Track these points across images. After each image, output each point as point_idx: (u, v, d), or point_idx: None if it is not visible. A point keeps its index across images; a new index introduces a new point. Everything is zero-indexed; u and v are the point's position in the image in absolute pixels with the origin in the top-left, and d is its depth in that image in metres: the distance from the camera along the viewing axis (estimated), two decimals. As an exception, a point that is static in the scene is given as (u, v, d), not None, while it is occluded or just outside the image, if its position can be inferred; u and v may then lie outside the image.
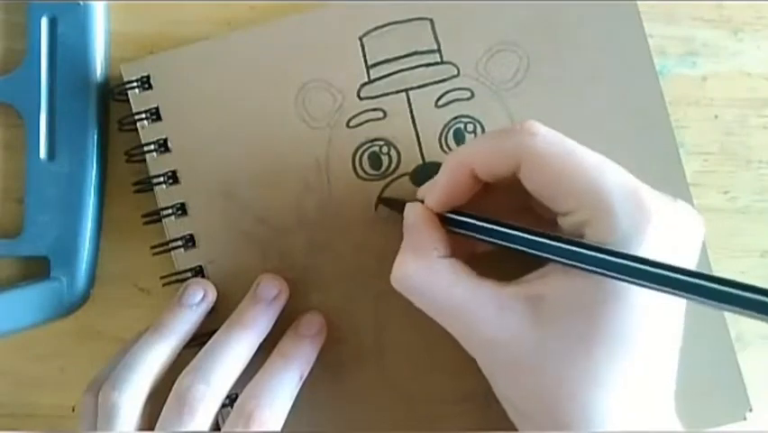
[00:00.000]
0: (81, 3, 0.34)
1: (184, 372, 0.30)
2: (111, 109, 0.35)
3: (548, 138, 0.26)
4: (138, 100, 0.33)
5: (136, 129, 0.33)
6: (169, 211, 0.33)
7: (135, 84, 0.33)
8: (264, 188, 0.33)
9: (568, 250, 0.25)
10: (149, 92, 0.33)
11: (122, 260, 0.35)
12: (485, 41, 0.33)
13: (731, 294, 0.22)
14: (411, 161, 0.33)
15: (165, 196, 0.33)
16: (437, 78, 0.33)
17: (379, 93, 0.33)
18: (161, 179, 0.33)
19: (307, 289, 0.33)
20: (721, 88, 0.35)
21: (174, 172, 0.33)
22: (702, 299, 0.23)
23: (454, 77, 0.33)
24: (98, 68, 0.34)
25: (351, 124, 0.33)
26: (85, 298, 0.34)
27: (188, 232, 0.33)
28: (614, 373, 0.25)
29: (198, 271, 0.33)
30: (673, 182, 0.33)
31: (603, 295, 0.25)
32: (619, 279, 0.24)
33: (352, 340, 0.33)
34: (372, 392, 0.33)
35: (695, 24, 0.35)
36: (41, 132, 0.34)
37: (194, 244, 0.33)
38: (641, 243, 0.25)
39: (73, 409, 0.35)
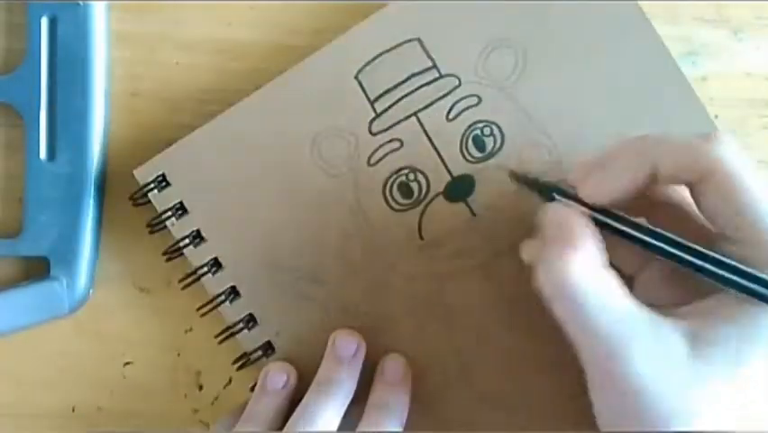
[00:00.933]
0: (81, 3, 0.34)
1: None
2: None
3: (742, 161, 0.24)
4: (160, 200, 0.33)
5: (166, 227, 0.33)
6: (223, 297, 0.33)
7: (153, 185, 0.33)
8: (307, 249, 0.33)
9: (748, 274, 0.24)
10: (168, 189, 0.33)
11: (122, 260, 0.35)
12: (476, 44, 0.33)
13: None
14: (440, 180, 0.33)
15: (214, 283, 0.33)
16: (441, 94, 0.33)
17: (390, 124, 0.33)
18: (205, 269, 0.33)
19: (376, 333, 0.33)
20: (721, 88, 0.35)
21: (216, 259, 0.33)
22: None
23: (457, 87, 0.33)
24: (98, 68, 0.34)
25: (371, 162, 0.33)
26: (85, 298, 0.34)
27: (247, 312, 0.33)
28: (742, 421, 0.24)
29: (268, 347, 0.33)
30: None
31: (758, 339, 0.24)
32: None
33: (435, 368, 0.33)
34: (468, 410, 0.33)
35: (695, 24, 0.35)
36: (41, 132, 0.34)
37: (256, 323, 0.33)
38: None
39: (73, 410, 0.35)
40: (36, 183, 0.34)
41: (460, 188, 0.33)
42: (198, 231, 0.33)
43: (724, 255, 0.24)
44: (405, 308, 0.33)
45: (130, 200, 0.34)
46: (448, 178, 0.33)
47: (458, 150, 0.33)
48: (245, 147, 0.33)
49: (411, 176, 0.33)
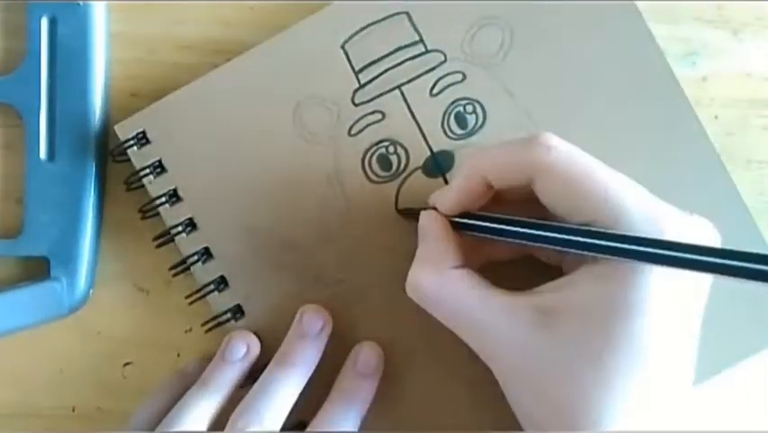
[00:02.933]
0: (81, 3, 0.34)
1: (236, 412, 0.30)
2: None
3: (562, 153, 0.26)
4: (139, 157, 0.33)
5: (143, 186, 0.33)
6: (195, 258, 0.33)
7: (132, 142, 0.33)
8: (283, 214, 0.33)
9: (597, 234, 0.25)
10: (148, 147, 0.33)
11: (122, 260, 0.35)
12: (464, 21, 0.33)
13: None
14: (419, 154, 0.33)
15: (187, 243, 0.33)
16: (426, 68, 0.33)
17: (373, 95, 0.33)
18: (180, 228, 0.33)
19: (348, 302, 0.33)
20: (721, 88, 0.35)
21: (191, 219, 0.33)
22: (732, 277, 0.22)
23: (442, 63, 0.33)
24: (98, 68, 0.34)
25: (352, 132, 0.33)
26: (85, 298, 0.34)
27: (219, 274, 0.33)
28: (628, 383, 0.25)
29: (237, 310, 0.33)
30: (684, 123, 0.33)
31: (618, 307, 0.25)
32: (650, 261, 0.24)
33: (403, 340, 0.33)
34: (434, 386, 0.33)
35: (695, 24, 0.35)
36: (41, 132, 0.34)
37: (227, 285, 0.33)
38: None
39: (73, 410, 0.35)
40: (36, 183, 0.34)
41: (439, 164, 0.33)
42: (175, 190, 0.33)
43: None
44: (377, 279, 0.33)
45: (112, 159, 0.34)
46: (428, 153, 0.33)
47: (439, 125, 0.33)
48: (228, 109, 0.33)
49: (391, 149, 0.33)
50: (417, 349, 0.33)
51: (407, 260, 0.33)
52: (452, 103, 0.33)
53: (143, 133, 0.33)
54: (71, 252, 0.34)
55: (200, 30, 0.35)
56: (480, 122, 0.33)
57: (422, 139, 0.33)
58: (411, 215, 0.32)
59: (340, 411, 0.31)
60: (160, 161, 0.33)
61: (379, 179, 0.33)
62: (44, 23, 0.34)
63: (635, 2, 0.33)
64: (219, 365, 0.32)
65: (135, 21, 0.35)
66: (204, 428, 0.30)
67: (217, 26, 0.35)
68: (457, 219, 0.29)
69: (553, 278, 0.27)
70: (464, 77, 0.33)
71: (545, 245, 0.26)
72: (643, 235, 0.24)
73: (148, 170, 0.33)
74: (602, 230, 0.25)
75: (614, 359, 0.25)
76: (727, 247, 0.23)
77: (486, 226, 0.28)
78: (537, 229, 0.27)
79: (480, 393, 0.33)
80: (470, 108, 0.33)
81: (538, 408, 0.27)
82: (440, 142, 0.33)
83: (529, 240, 0.27)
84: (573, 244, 0.26)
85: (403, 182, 0.33)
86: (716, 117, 0.35)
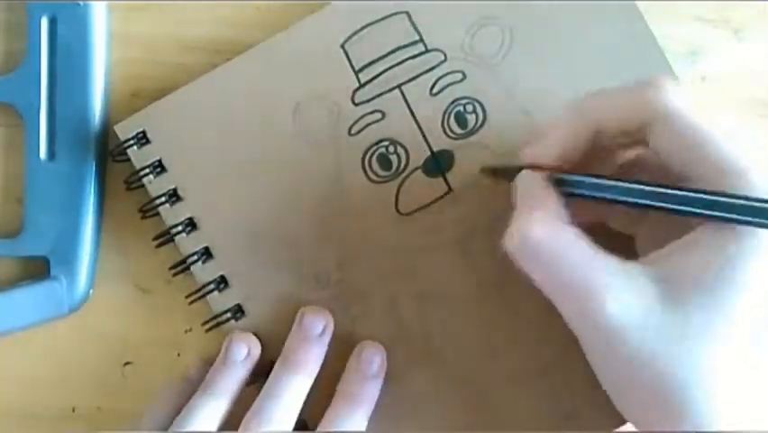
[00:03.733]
0: (81, 3, 0.34)
1: (247, 418, 0.30)
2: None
3: (685, 98, 0.25)
4: (139, 157, 0.33)
5: (143, 185, 0.33)
6: (195, 258, 0.33)
7: (132, 142, 0.33)
8: (283, 214, 0.33)
9: (724, 203, 0.23)
10: (148, 146, 0.33)
11: (122, 260, 0.35)
12: (464, 20, 0.33)
13: None
14: (419, 154, 0.33)
15: (187, 243, 0.33)
16: (426, 68, 0.33)
17: (374, 95, 0.33)
18: (180, 228, 0.33)
19: (347, 302, 0.33)
20: (721, 88, 0.35)
21: (191, 219, 0.33)
22: None
23: (442, 62, 0.33)
24: (98, 68, 0.34)
25: (352, 132, 0.33)
26: (85, 297, 0.34)
27: (219, 274, 0.33)
28: (736, 361, 0.24)
29: (237, 310, 0.33)
30: None
31: (742, 277, 0.23)
32: None
33: (403, 342, 0.33)
34: (436, 387, 0.33)
35: (695, 24, 0.35)
36: (41, 132, 0.34)
37: (227, 285, 0.33)
38: None
39: (73, 410, 0.35)
40: (36, 183, 0.34)
41: (439, 164, 0.33)
42: (175, 190, 0.33)
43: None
44: (377, 280, 0.33)
45: (112, 159, 0.34)
46: (428, 152, 0.33)
47: (439, 125, 0.33)
48: (228, 109, 0.33)
49: (391, 148, 0.33)
50: (418, 349, 0.33)
51: (408, 260, 0.33)
52: (452, 102, 0.33)
53: (143, 132, 0.33)
54: (71, 252, 0.34)
55: (201, 30, 0.35)
56: (480, 121, 0.33)
57: (422, 138, 0.33)
58: (500, 173, 0.30)
59: (347, 413, 0.31)
60: (160, 161, 0.33)
61: (379, 179, 0.33)
62: (44, 22, 0.34)
63: (635, 1, 0.33)
64: (221, 369, 0.32)
65: (135, 21, 0.35)
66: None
67: (218, 26, 0.35)
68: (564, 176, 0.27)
69: (621, 246, 0.26)
70: (464, 76, 0.33)
71: (673, 209, 0.24)
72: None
73: (148, 170, 0.33)
74: (746, 196, 0.23)
75: (729, 336, 0.24)
76: None
77: (607, 184, 0.25)
78: (665, 192, 0.24)
79: (480, 393, 0.33)
80: (470, 108, 0.33)
81: (641, 380, 0.25)
82: (440, 142, 0.33)
83: (655, 201, 0.25)
84: (713, 206, 0.23)
85: (403, 182, 0.33)
86: (716, 117, 0.35)
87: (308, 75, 0.33)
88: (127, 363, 0.35)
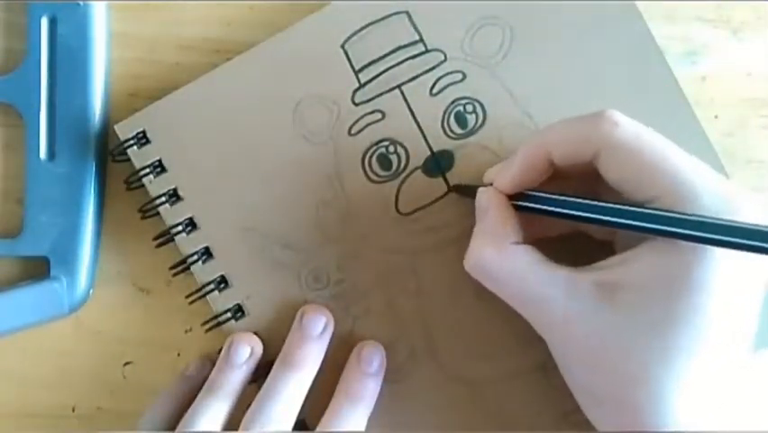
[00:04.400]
0: (81, 3, 0.34)
1: (246, 417, 0.31)
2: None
3: (631, 128, 0.26)
4: (139, 157, 0.33)
5: (143, 185, 0.33)
6: (195, 258, 0.33)
7: (132, 142, 0.33)
8: (283, 214, 0.33)
9: (664, 217, 0.25)
10: (148, 146, 0.33)
11: (122, 260, 0.35)
12: (464, 20, 0.33)
13: None
14: (419, 154, 0.33)
15: (187, 243, 0.33)
16: (426, 68, 0.33)
17: (374, 95, 0.33)
18: (180, 228, 0.33)
19: (347, 302, 0.33)
20: (721, 88, 0.35)
21: (191, 219, 0.33)
22: None
23: (442, 62, 0.33)
24: (98, 68, 0.34)
25: (352, 132, 0.33)
26: (85, 297, 0.34)
27: (219, 274, 0.33)
28: (689, 359, 0.25)
29: (238, 310, 0.33)
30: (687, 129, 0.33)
31: (681, 283, 0.25)
32: (718, 244, 0.24)
33: (403, 341, 0.33)
34: (434, 387, 0.33)
35: (695, 24, 0.35)
36: (41, 132, 0.34)
37: (227, 284, 0.33)
38: None
39: (73, 410, 0.35)
40: (36, 183, 0.34)
41: (439, 164, 0.33)
42: (175, 190, 0.33)
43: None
44: (377, 279, 0.33)
45: (112, 159, 0.34)
46: (428, 152, 0.33)
47: (439, 125, 0.33)
48: (228, 109, 0.33)
49: (391, 148, 0.33)
50: (417, 349, 0.33)
51: (407, 260, 0.33)
52: (452, 102, 0.33)
53: (143, 132, 0.33)
54: (71, 251, 0.34)
55: (200, 30, 0.35)
56: (479, 121, 0.33)
57: (422, 138, 0.33)
58: (465, 192, 0.32)
59: (347, 412, 0.31)
60: (159, 161, 0.33)
61: (379, 179, 0.33)
62: (44, 22, 0.34)
63: (635, 2, 0.33)
64: (224, 370, 0.32)
65: (135, 21, 0.35)
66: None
67: (217, 26, 0.35)
68: (519, 202, 0.29)
69: (603, 254, 0.27)
70: (464, 76, 0.33)
71: (612, 226, 0.26)
72: (713, 219, 0.24)
73: (148, 170, 0.33)
74: (670, 213, 0.25)
75: (675, 334, 0.25)
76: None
77: (550, 210, 0.28)
78: (604, 213, 0.26)
79: (480, 393, 0.33)
80: (470, 108, 0.33)
81: (597, 381, 0.27)
82: (440, 142, 0.33)
83: (594, 222, 0.27)
84: (645, 228, 0.25)
85: (403, 182, 0.33)
86: (716, 117, 0.35)
87: (308, 75, 0.33)
88: (127, 363, 0.35)
